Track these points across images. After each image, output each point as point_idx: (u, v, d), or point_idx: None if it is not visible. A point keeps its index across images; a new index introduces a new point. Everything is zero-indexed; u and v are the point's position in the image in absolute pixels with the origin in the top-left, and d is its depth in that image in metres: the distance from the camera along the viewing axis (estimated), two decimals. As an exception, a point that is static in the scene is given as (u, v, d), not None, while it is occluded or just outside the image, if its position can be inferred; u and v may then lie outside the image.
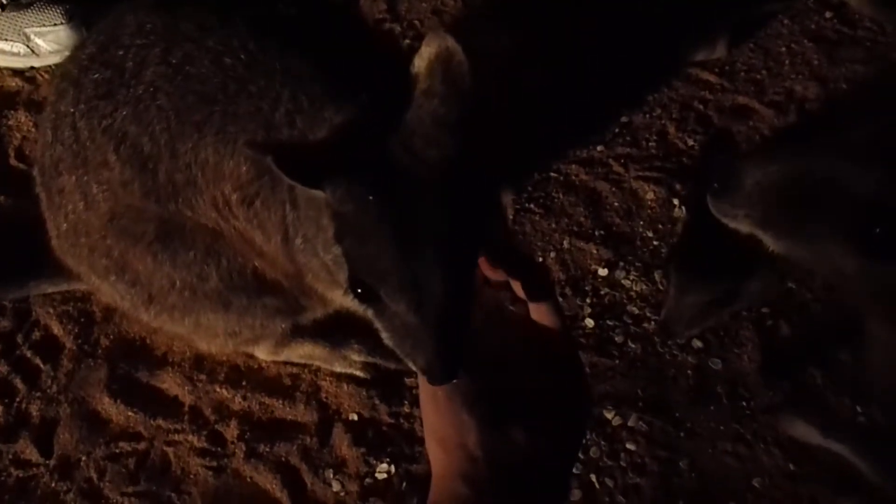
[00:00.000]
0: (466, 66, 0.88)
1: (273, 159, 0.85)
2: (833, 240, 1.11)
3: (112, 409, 1.52)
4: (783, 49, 1.94)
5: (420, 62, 0.89)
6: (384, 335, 0.90)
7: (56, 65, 1.89)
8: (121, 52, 1.16)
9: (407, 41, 1.99)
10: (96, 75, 1.17)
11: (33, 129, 1.83)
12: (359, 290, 0.88)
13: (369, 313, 0.91)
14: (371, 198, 0.85)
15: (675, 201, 1.71)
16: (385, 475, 1.43)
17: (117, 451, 1.48)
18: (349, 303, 1.21)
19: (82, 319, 1.61)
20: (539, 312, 0.87)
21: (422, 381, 0.94)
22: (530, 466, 0.86)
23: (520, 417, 0.87)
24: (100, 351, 1.57)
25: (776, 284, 1.46)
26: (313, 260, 1.12)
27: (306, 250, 1.12)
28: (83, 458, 1.47)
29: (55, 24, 1.90)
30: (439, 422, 0.92)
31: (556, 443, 0.88)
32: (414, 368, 0.88)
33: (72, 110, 1.19)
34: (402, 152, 0.88)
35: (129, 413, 1.51)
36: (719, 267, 1.37)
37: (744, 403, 1.49)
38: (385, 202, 0.85)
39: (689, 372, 1.53)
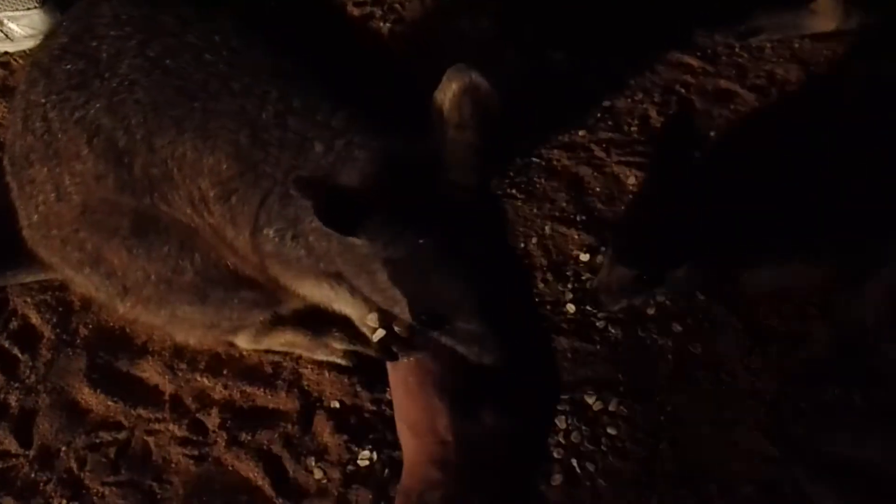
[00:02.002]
0: (495, 96, 0.90)
1: (314, 206, 0.86)
2: None
3: (92, 398, 1.51)
4: (765, 31, 1.93)
5: (443, 95, 0.91)
6: (447, 342, 0.94)
7: (28, 51, 1.86)
8: (94, 43, 1.14)
9: (388, 25, 1.97)
10: (68, 66, 1.15)
11: (8, 116, 1.81)
12: (424, 318, 0.93)
13: (434, 333, 0.95)
14: (422, 241, 0.89)
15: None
16: (367, 462, 1.44)
17: (97, 440, 1.47)
18: (316, 295, 1.21)
19: (61, 308, 1.59)
20: None
21: (391, 367, 0.95)
22: (501, 447, 0.87)
23: (489, 399, 0.88)
24: (79, 340, 1.56)
25: (703, 275, 1.47)
26: (282, 251, 1.11)
27: (276, 242, 1.11)
28: (63, 449, 1.46)
29: (28, 8, 1.87)
30: (410, 407, 0.92)
31: (526, 422, 0.89)
32: (478, 361, 0.94)
33: (43, 101, 1.17)
34: (440, 185, 0.91)
35: (110, 402, 1.50)
36: (653, 247, 1.38)
37: (724, 387, 1.50)
38: (435, 240, 0.90)
39: (669, 356, 1.53)
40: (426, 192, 0.90)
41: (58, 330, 1.57)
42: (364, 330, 1.19)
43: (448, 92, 0.89)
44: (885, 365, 1.44)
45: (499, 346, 0.90)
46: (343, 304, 1.21)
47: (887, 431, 1.41)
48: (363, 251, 0.94)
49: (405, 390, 0.91)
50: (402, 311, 0.94)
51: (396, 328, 0.98)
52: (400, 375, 0.92)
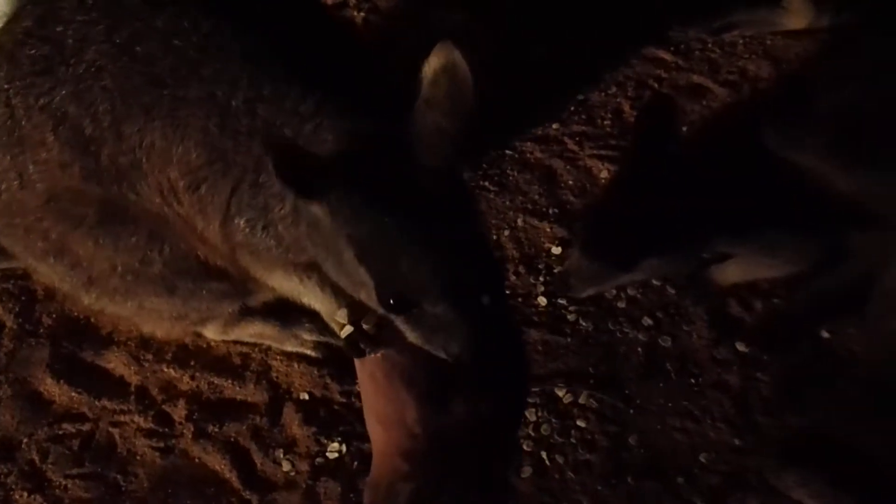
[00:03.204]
0: (471, 81, 0.89)
1: (274, 162, 0.84)
2: None
3: (55, 389, 1.48)
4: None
5: (427, 70, 0.90)
6: (410, 334, 0.92)
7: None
8: (60, 28, 1.12)
9: (361, 14, 1.95)
10: (33, 51, 1.13)
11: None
12: (391, 303, 0.90)
13: (397, 319, 0.92)
14: (387, 220, 0.87)
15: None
16: (336, 454, 1.43)
17: (61, 432, 1.45)
18: (285, 287, 1.20)
19: (23, 297, 1.56)
20: None
21: (358, 360, 0.94)
22: (471, 439, 0.88)
23: (459, 390, 0.88)
24: (42, 330, 1.54)
25: (673, 266, 1.48)
26: (252, 241, 1.10)
27: (246, 232, 1.09)
28: (25, 440, 1.44)
29: (-9, -11, 1.82)
30: (379, 399, 0.92)
31: (496, 414, 0.89)
32: (443, 356, 0.91)
33: (6, 86, 1.14)
34: (405, 162, 0.89)
35: (73, 393, 1.48)
36: (623, 237, 1.39)
37: (692, 380, 1.52)
38: (402, 221, 0.88)
39: (639, 349, 1.54)
40: (395, 173, 0.89)
41: (20, 319, 1.54)
42: (332, 326, 1.18)
43: (431, 67, 0.89)
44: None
45: (466, 334, 0.89)
46: (312, 297, 1.20)
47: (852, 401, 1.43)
48: (327, 224, 0.92)
49: (373, 383, 0.91)
50: (368, 295, 0.93)
51: (364, 325, 0.97)
52: (367, 368, 0.92)
